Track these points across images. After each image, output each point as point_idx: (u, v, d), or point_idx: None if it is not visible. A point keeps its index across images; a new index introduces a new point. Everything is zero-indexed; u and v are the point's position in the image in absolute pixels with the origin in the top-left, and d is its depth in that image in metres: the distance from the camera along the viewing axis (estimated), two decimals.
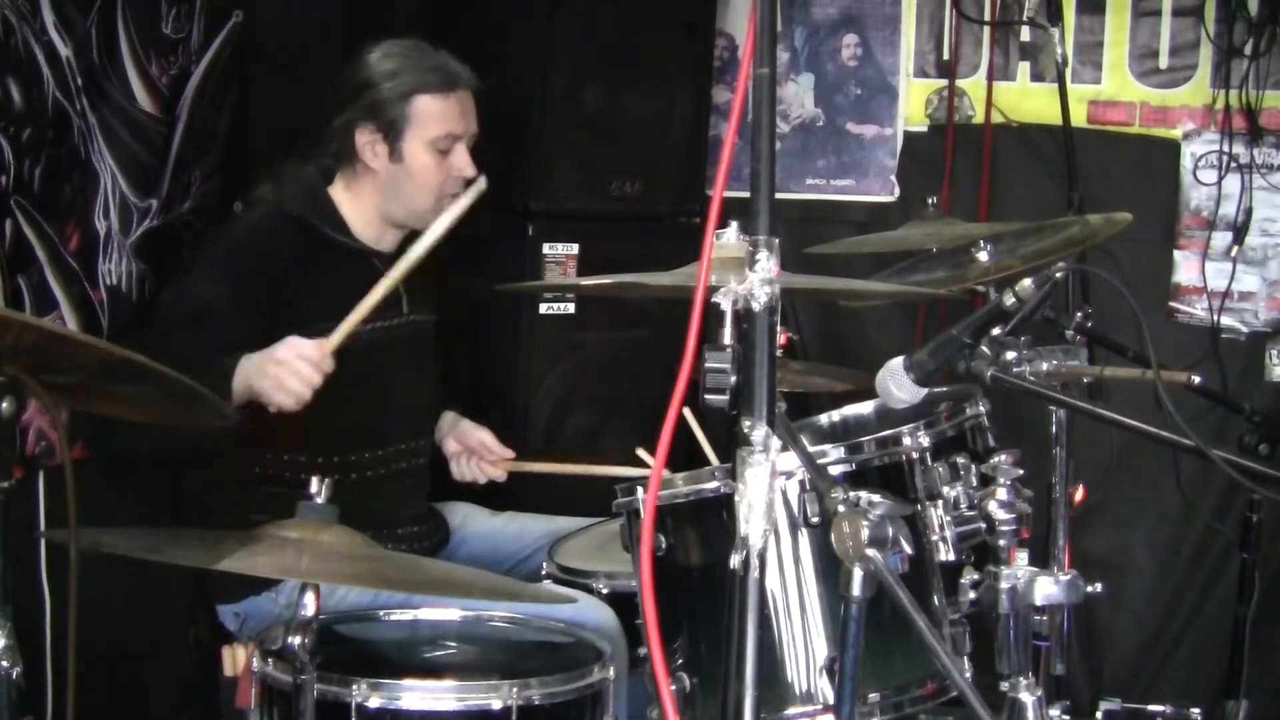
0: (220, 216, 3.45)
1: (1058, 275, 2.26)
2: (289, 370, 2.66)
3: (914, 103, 4.49)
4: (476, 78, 3.08)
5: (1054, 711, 2.50)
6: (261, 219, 3.04)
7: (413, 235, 3.07)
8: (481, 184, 2.90)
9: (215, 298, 2.88)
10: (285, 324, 2.89)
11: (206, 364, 2.66)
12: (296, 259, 2.97)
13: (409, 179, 3.00)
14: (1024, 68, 4.43)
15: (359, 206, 3.05)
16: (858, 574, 1.76)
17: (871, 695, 2.35)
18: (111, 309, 3.18)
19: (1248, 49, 4.19)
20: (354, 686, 2.29)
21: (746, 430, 1.61)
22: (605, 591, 2.86)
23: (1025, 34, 4.41)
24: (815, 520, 1.84)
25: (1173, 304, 4.34)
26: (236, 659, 2.67)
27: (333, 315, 2.91)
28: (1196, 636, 4.33)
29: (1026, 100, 4.40)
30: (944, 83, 4.45)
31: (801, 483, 2.27)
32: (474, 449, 3.23)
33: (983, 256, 3.23)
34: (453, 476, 3.26)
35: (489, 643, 2.62)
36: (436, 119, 3.00)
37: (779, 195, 1.64)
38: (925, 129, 4.48)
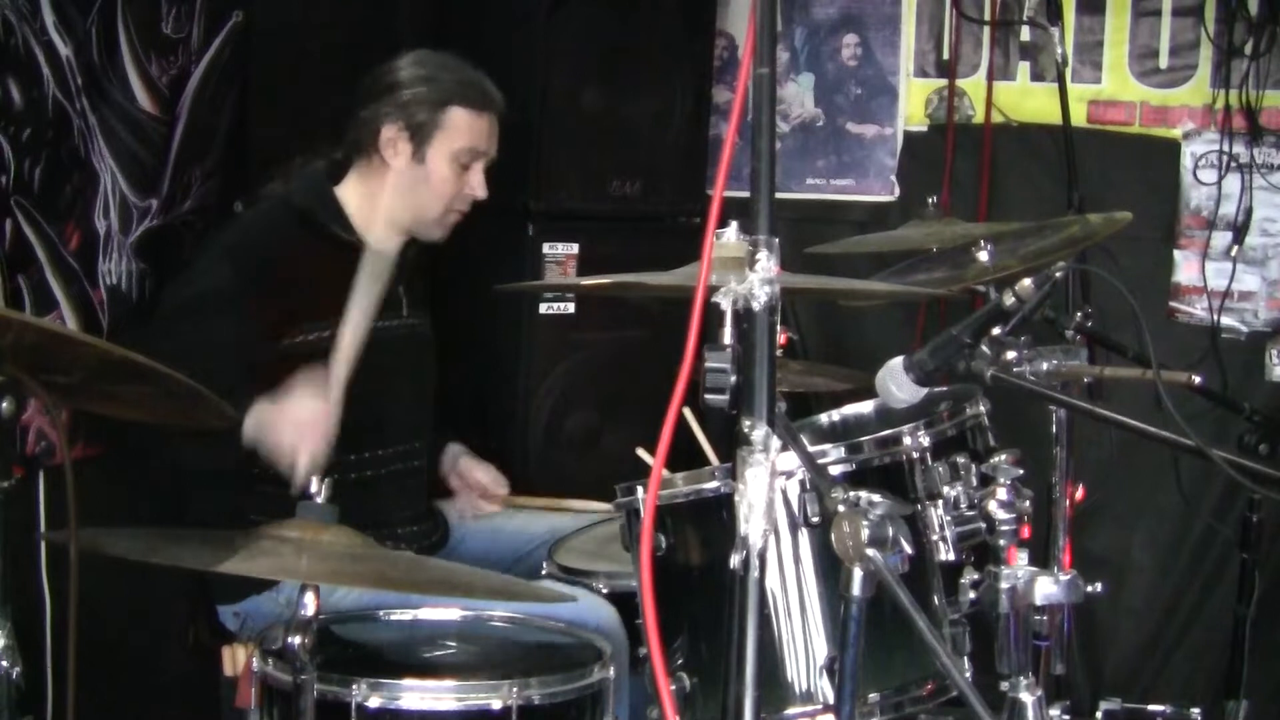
0: (220, 216, 3.46)
1: (1058, 275, 2.26)
2: (303, 437, 2.68)
3: (914, 103, 4.49)
4: (505, 107, 3.10)
5: (1054, 711, 2.50)
6: (266, 212, 3.05)
7: (413, 240, 3.09)
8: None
9: (218, 288, 2.89)
10: (287, 317, 2.90)
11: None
12: (300, 252, 2.97)
13: (424, 184, 3.01)
14: (1024, 68, 4.43)
15: (367, 202, 3.06)
16: (858, 574, 1.76)
17: (871, 695, 2.35)
18: (111, 309, 3.18)
19: (1248, 49, 4.19)
20: (354, 686, 2.29)
21: (746, 430, 1.61)
22: (605, 591, 2.86)
23: (1025, 34, 4.41)
24: (815, 520, 1.84)
25: (1173, 304, 4.34)
26: (236, 659, 2.67)
27: (334, 310, 2.93)
28: (1196, 636, 4.33)
29: (1026, 100, 4.40)
30: (944, 83, 4.45)
31: (801, 483, 2.27)
32: (472, 488, 3.25)
33: (983, 256, 3.23)
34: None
35: (489, 643, 2.62)
36: (466, 132, 3.02)
37: (779, 195, 1.64)
38: (925, 129, 4.48)
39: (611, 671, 2.45)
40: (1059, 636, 2.39)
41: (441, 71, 3.03)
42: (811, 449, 2.20)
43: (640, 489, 2.49)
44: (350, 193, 3.07)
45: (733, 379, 1.65)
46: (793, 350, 4.18)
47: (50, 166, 2.97)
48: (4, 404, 1.93)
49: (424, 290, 3.21)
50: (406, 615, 2.68)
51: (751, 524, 1.60)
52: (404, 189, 3.01)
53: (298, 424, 2.68)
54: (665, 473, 2.43)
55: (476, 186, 3.06)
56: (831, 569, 2.28)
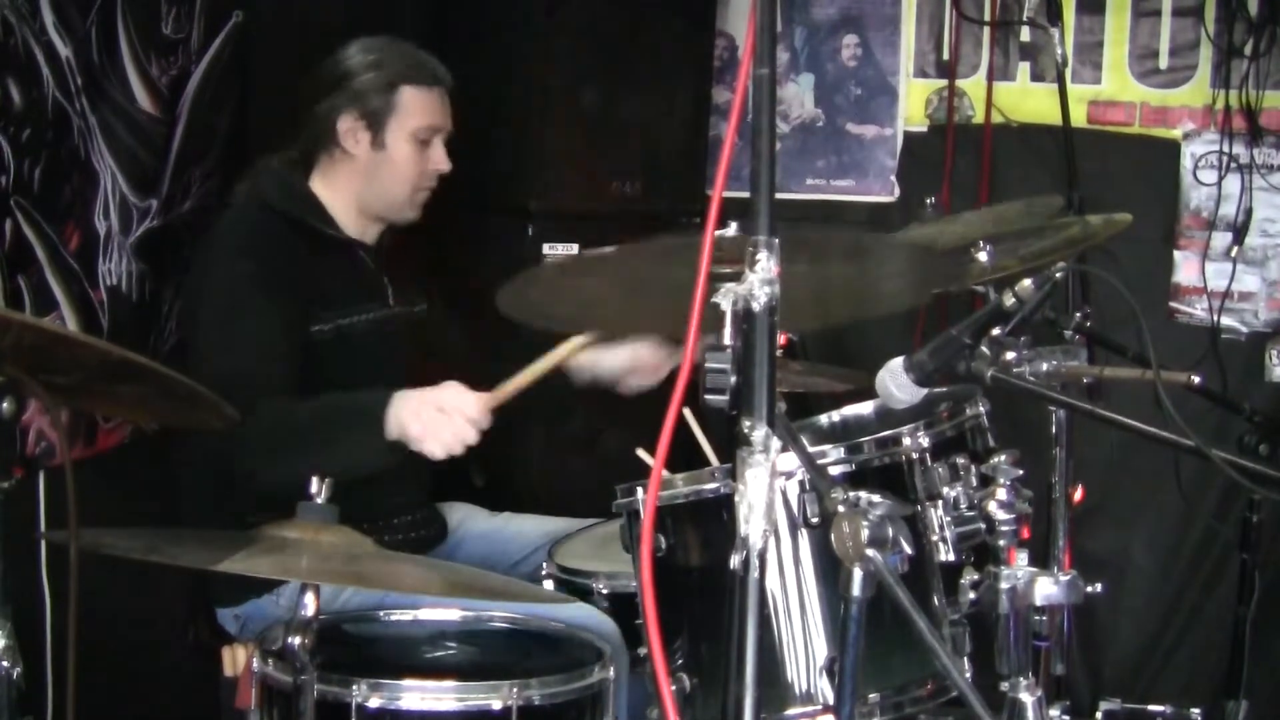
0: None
1: (1058, 275, 2.26)
2: (447, 422, 2.62)
3: (914, 103, 4.49)
4: (451, 77, 3.10)
5: (1054, 711, 2.50)
6: (251, 215, 3.04)
7: (390, 227, 3.10)
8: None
9: (247, 278, 2.88)
10: (300, 307, 2.91)
11: (352, 397, 2.72)
12: (291, 251, 2.98)
13: (389, 167, 3.03)
14: (1024, 68, 4.43)
15: (338, 196, 3.07)
16: (858, 574, 1.76)
17: (871, 695, 2.35)
18: (111, 309, 3.18)
19: (1248, 49, 4.19)
20: (354, 686, 2.29)
21: (746, 430, 1.61)
22: (605, 591, 2.85)
23: (1025, 34, 4.41)
24: (815, 520, 1.84)
25: (1173, 304, 4.34)
26: (236, 659, 2.67)
27: (326, 306, 2.93)
28: (1196, 636, 4.33)
29: (1026, 100, 4.40)
30: (944, 83, 4.45)
31: (801, 483, 2.27)
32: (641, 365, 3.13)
33: (982, 257, 3.23)
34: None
35: (489, 643, 2.62)
36: (420, 110, 3.04)
37: (779, 195, 1.64)
38: (925, 129, 4.48)
39: (611, 672, 2.45)
40: (1059, 637, 2.39)
41: (387, 55, 3.06)
42: (811, 449, 2.20)
43: (640, 490, 2.49)
44: (320, 187, 3.08)
45: (733, 379, 1.66)
46: (793, 350, 4.18)
47: (50, 167, 2.97)
48: (4, 404, 1.93)
49: (412, 277, 3.21)
50: (406, 615, 2.68)
51: (751, 524, 1.60)
52: (369, 176, 3.04)
53: (445, 409, 2.63)
54: (665, 473, 2.43)
55: (439, 161, 3.08)
56: (831, 569, 2.28)
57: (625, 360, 3.11)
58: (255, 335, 2.80)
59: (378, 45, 3.08)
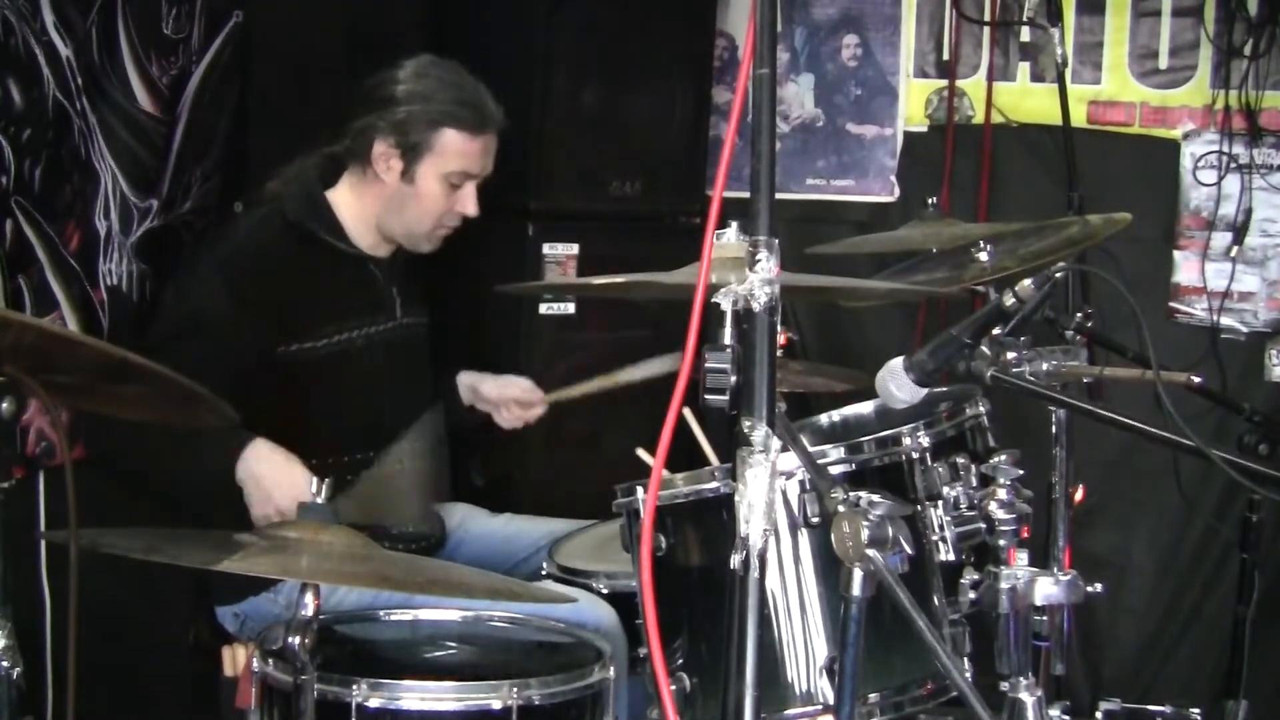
0: (220, 216, 3.46)
1: (1058, 275, 2.26)
2: (288, 503, 2.69)
3: (914, 103, 4.49)
4: (505, 118, 3.07)
5: (1054, 711, 2.50)
6: (260, 223, 3.04)
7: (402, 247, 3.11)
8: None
9: (214, 304, 2.89)
10: (283, 328, 2.90)
11: (218, 438, 2.74)
12: (294, 263, 2.97)
13: (414, 202, 3.01)
14: (1024, 68, 4.43)
15: (358, 210, 3.06)
16: (858, 574, 1.76)
17: (871, 695, 2.35)
18: (112, 309, 3.18)
19: (1247, 49, 4.19)
20: (354, 686, 2.29)
21: (746, 430, 1.61)
22: (605, 591, 2.85)
23: (1025, 34, 4.41)
24: (815, 520, 1.84)
25: (1173, 304, 4.34)
26: (236, 659, 2.67)
27: (330, 319, 2.93)
28: (1196, 636, 4.33)
29: (1026, 100, 4.40)
30: (944, 83, 4.45)
31: (801, 483, 2.27)
32: (508, 403, 3.30)
33: (983, 257, 3.23)
34: (501, 426, 3.32)
35: (489, 643, 2.62)
36: (458, 155, 3.00)
37: (779, 195, 1.64)
38: (925, 129, 4.48)
39: (611, 671, 2.45)
40: (1059, 636, 2.39)
41: (439, 89, 2.99)
42: (811, 449, 2.20)
43: (640, 489, 2.49)
44: (342, 198, 3.07)
45: (733, 379, 1.66)
46: (793, 350, 4.18)
47: (50, 167, 2.97)
48: (4, 404, 1.93)
49: (418, 290, 3.21)
50: (406, 615, 2.68)
51: (751, 524, 1.60)
52: (392, 204, 3.02)
53: (287, 488, 2.72)
54: (665, 473, 2.43)
55: (467, 204, 3.05)
56: (831, 569, 2.28)
57: (498, 393, 3.30)
58: (188, 362, 2.77)
59: (432, 75, 3.02)
